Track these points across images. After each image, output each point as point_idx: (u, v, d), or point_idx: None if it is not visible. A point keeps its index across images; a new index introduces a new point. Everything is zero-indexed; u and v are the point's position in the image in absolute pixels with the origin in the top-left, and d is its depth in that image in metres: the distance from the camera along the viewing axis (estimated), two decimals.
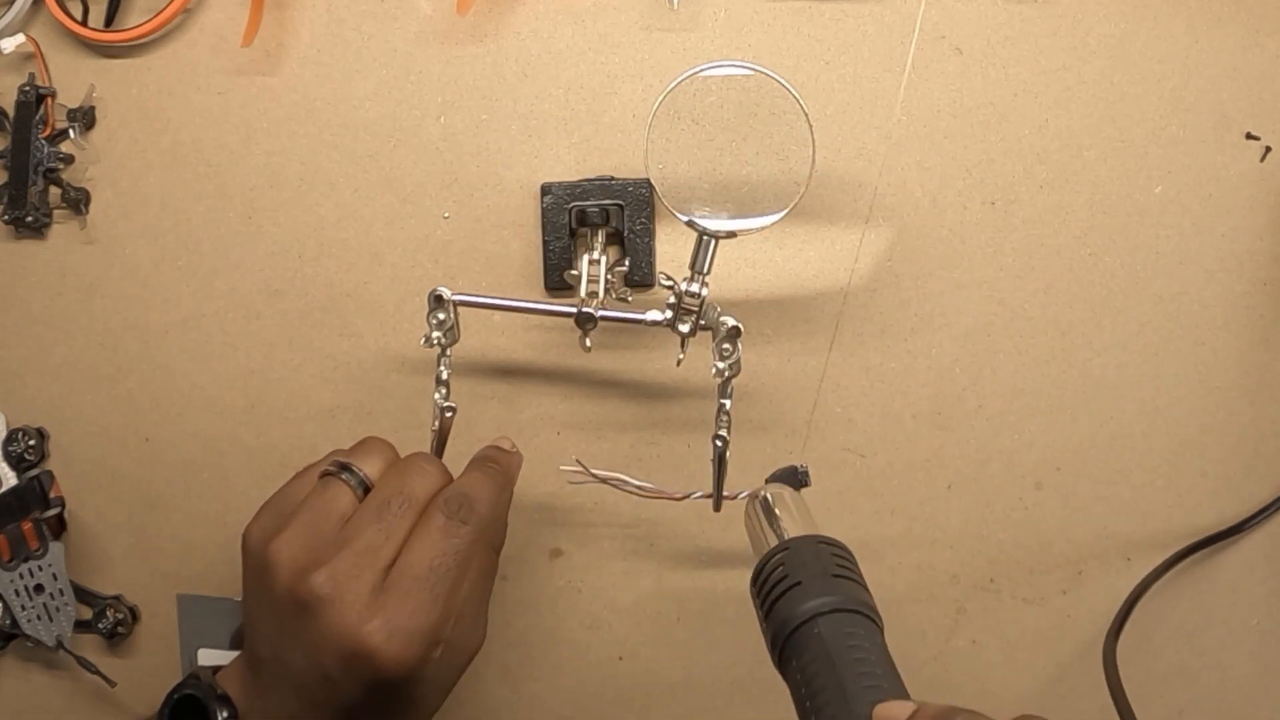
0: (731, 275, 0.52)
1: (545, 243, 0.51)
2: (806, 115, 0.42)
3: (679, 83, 0.43)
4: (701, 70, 0.43)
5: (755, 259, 0.52)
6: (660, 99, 0.43)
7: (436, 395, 0.48)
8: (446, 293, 0.47)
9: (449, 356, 0.48)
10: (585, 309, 0.46)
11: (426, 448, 0.48)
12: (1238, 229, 0.51)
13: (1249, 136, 0.51)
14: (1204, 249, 0.52)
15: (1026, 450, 0.53)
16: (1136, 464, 0.53)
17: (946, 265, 0.52)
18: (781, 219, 0.43)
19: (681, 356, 0.47)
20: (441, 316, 0.47)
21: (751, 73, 0.43)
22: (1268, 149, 0.51)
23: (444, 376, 0.48)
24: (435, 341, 0.48)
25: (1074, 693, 0.54)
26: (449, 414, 0.48)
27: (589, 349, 0.48)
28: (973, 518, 0.53)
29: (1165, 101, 0.51)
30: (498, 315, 0.53)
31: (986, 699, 0.54)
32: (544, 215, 0.51)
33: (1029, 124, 0.51)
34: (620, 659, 0.55)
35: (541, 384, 0.54)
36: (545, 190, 0.51)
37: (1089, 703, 0.54)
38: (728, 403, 0.46)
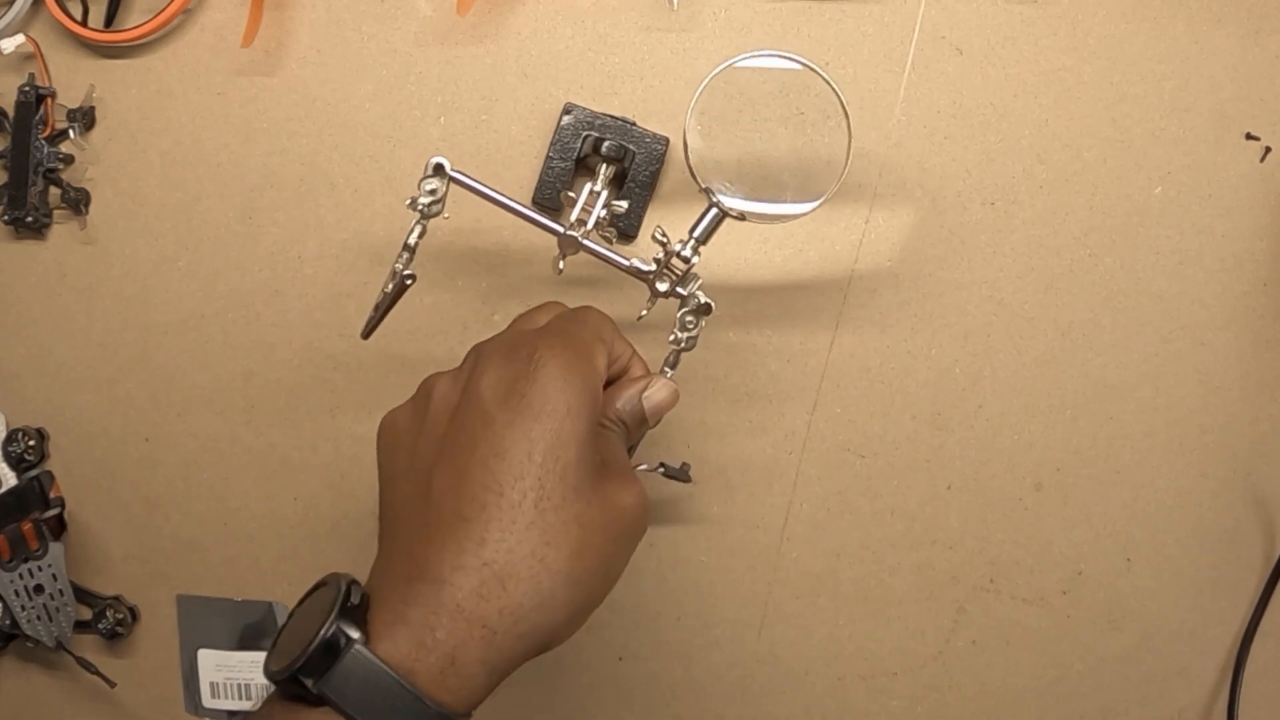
0: (732, 274, 0.52)
1: (549, 158, 0.51)
2: (849, 141, 0.43)
3: (742, 61, 0.43)
4: (769, 55, 0.44)
5: (756, 259, 0.52)
6: (721, 67, 0.43)
7: (398, 264, 0.46)
8: (448, 165, 0.45)
9: (424, 225, 0.46)
10: (571, 233, 0.45)
11: None
12: (1238, 229, 0.51)
13: (1249, 136, 0.51)
14: (1204, 249, 0.52)
15: (1026, 450, 0.53)
16: (1136, 464, 0.53)
17: (946, 265, 0.52)
18: (794, 216, 0.44)
19: (645, 312, 0.46)
20: (434, 185, 0.45)
21: (824, 81, 0.43)
22: (1268, 149, 0.51)
23: (412, 242, 0.45)
24: (419, 206, 0.45)
25: (1074, 693, 0.54)
26: (408, 281, 0.45)
27: (560, 272, 0.47)
28: (973, 518, 0.53)
29: (1165, 101, 0.51)
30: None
31: (986, 699, 0.54)
32: (558, 132, 0.51)
33: (1029, 124, 0.51)
34: (620, 659, 0.55)
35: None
36: (567, 110, 0.51)
37: (1089, 703, 0.54)
38: (670, 371, 0.46)
